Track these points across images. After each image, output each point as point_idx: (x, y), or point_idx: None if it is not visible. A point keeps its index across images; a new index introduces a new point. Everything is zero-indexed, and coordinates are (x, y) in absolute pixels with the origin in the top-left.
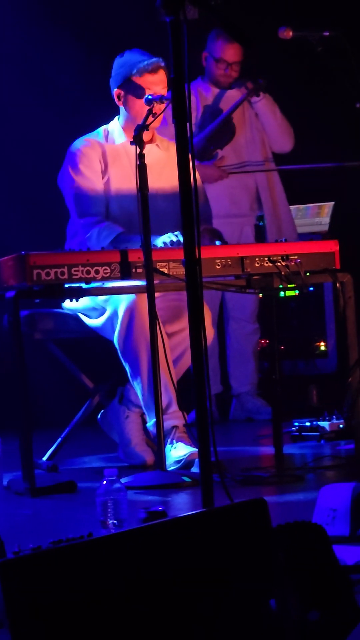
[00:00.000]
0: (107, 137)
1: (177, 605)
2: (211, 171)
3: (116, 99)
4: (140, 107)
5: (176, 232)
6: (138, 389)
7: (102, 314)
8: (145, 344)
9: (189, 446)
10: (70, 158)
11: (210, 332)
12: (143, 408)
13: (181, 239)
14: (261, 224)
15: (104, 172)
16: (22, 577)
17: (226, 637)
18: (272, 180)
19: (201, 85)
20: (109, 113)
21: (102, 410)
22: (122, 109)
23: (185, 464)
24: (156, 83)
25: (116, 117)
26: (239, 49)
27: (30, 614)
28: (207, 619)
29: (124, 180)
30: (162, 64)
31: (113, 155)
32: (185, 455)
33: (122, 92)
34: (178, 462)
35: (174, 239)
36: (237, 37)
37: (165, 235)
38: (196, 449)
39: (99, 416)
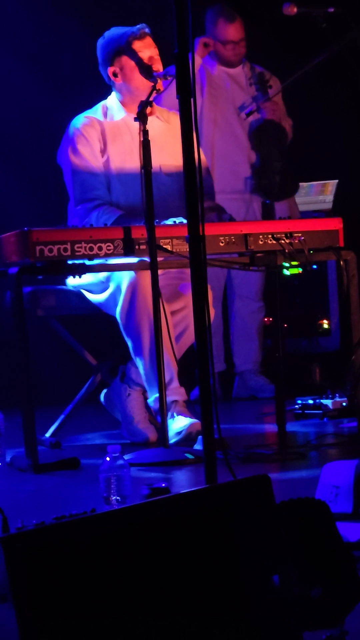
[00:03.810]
0: (105, 113)
1: (179, 581)
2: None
3: (112, 78)
4: (139, 76)
5: (179, 218)
6: (140, 364)
7: (105, 287)
8: (147, 320)
9: (188, 418)
10: (69, 137)
11: (211, 311)
12: (144, 383)
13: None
14: (268, 201)
15: (103, 151)
16: (26, 552)
17: (229, 613)
18: None
19: (208, 62)
20: (108, 88)
21: (105, 391)
22: (118, 86)
23: (185, 435)
24: (146, 47)
25: (113, 93)
26: (240, 24)
27: (33, 588)
28: (210, 595)
29: (125, 157)
30: (147, 30)
31: (113, 132)
32: (185, 426)
33: (117, 69)
34: (179, 434)
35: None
36: (239, 11)
37: (168, 220)
38: (196, 420)
39: (101, 397)
